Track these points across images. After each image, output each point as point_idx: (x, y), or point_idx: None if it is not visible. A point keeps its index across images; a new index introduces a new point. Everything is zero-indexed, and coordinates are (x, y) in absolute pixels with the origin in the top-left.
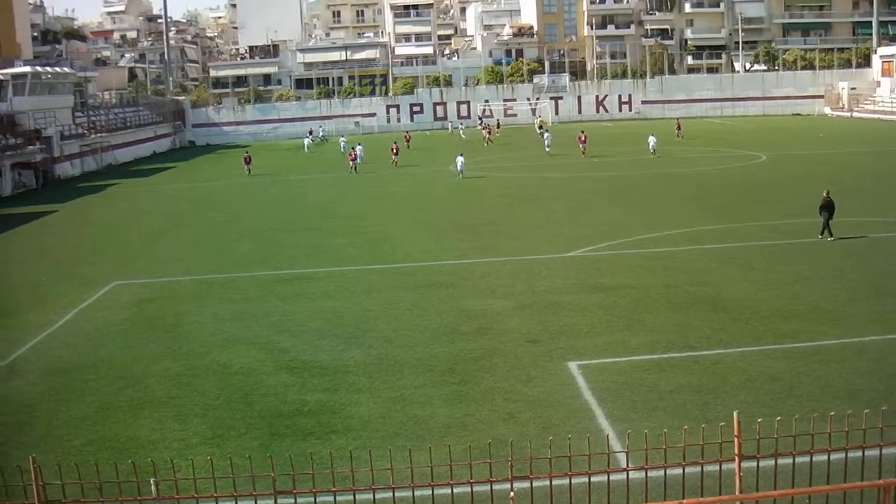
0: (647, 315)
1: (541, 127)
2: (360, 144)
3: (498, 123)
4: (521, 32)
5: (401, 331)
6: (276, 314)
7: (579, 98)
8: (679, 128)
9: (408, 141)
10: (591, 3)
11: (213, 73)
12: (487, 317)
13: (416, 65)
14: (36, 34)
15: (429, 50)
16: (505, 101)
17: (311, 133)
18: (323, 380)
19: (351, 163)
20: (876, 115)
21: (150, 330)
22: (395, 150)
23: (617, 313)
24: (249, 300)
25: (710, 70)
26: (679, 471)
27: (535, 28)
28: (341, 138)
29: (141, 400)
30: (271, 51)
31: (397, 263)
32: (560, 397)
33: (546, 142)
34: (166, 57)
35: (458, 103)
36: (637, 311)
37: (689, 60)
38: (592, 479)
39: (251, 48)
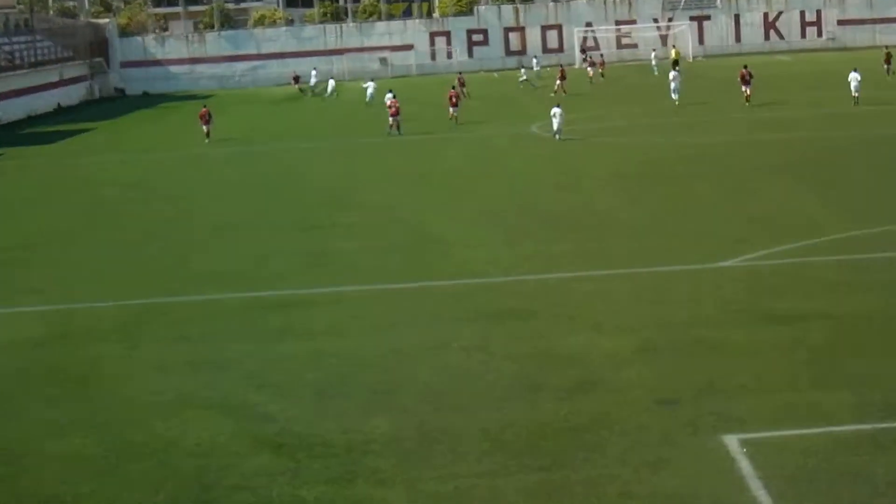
0: (852, 360)
1: (676, 64)
2: (390, 92)
3: (602, 61)
4: None
5: (453, 386)
6: (256, 360)
7: (737, 18)
8: (888, 61)
9: (462, 86)
10: None
11: None
12: (591, 364)
13: None
14: None
15: None
16: (618, 24)
17: (296, 80)
18: (329, 464)
19: (391, 119)
20: None
21: (48, 386)
22: (453, 100)
23: (803, 358)
24: (212, 339)
25: None
26: None
27: None
28: (369, 83)
29: (33, 497)
30: None
31: (449, 280)
32: (712, 491)
33: (673, 85)
34: None
35: (544, 28)
36: (836, 355)
37: None
38: None
39: None
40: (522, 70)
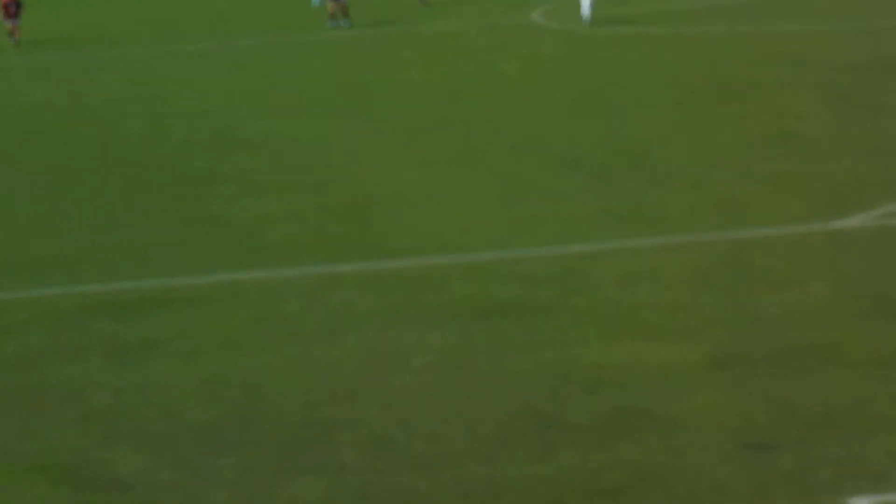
0: None
1: None
2: None
3: None
4: None
5: (415, 426)
6: (104, 393)
7: None
8: None
9: None
10: None
11: None
12: (635, 386)
13: None
14: None
15: None
16: None
17: None
18: None
19: (331, 4)
20: None
21: None
22: None
23: None
24: (32, 360)
25: None
26: None
27: None
28: None
29: None
30: None
31: (408, 258)
32: None
33: None
34: None
35: None
36: None
37: None
38: None
39: None
40: None
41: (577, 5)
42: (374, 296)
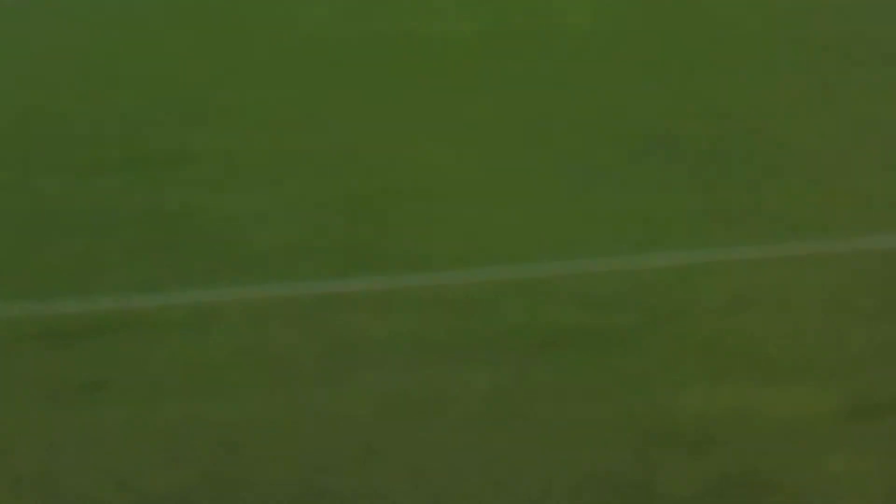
0: None
1: None
2: None
3: None
4: None
5: (455, 494)
6: (30, 448)
7: None
8: None
9: None
10: None
11: None
12: (748, 442)
13: None
14: None
15: None
16: None
17: None
18: None
19: None
20: None
21: None
22: None
23: None
24: None
25: None
26: None
27: None
28: None
29: None
30: None
31: (440, 272)
32: None
33: None
34: None
35: None
36: None
37: None
38: None
39: None
40: None
41: None
42: (395, 322)
